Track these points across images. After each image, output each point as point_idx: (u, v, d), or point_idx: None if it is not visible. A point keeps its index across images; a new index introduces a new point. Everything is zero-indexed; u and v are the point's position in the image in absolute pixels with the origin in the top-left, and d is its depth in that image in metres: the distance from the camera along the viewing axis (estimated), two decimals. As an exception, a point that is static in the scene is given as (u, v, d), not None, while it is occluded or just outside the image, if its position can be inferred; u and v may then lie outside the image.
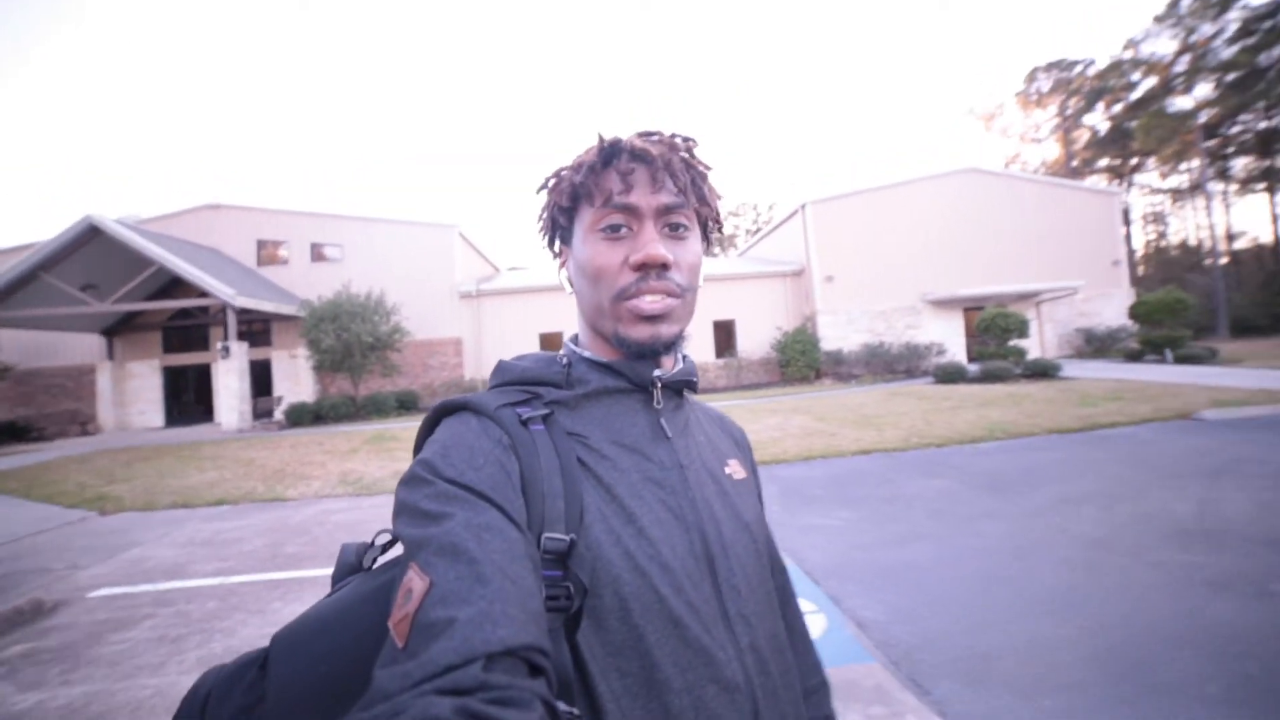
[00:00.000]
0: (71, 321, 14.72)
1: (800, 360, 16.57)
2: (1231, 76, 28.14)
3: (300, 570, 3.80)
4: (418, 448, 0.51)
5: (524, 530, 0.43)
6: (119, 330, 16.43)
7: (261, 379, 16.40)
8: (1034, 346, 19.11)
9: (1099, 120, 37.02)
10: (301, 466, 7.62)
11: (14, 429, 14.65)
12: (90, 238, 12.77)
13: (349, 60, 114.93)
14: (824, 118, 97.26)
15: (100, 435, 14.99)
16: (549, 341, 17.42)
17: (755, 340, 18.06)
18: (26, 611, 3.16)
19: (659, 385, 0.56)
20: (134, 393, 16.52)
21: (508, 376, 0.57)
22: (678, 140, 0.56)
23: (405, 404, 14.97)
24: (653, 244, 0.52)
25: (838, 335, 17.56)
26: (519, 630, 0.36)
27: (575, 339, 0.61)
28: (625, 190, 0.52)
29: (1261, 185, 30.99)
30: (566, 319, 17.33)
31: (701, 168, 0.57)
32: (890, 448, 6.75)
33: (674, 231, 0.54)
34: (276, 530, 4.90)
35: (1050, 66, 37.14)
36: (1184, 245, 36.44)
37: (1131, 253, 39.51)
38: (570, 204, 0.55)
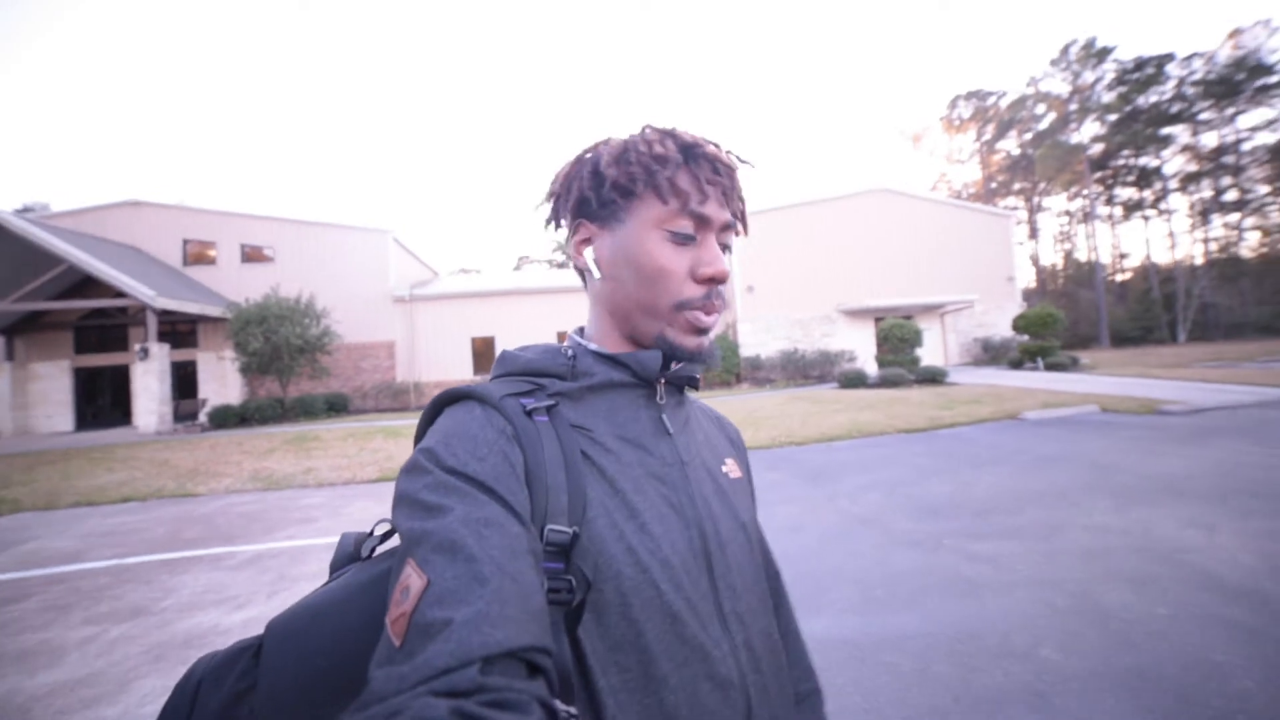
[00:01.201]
0: (-32, 320, 14.09)
1: (721, 365, 17.70)
2: (1113, 117, 31.76)
3: (194, 550, 4.33)
4: (419, 437, 0.51)
5: (526, 524, 0.43)
6: (21, 329, 15.75)
7: (187, 381, 16.10)
8: (938, 354, 21.05)
9: (1012, 146, 40.68)
10: (216, 466, 7.92)
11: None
12: (-8, 234, 12.36)
13: (309, 62, 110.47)
14: (762, 131, 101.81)
15: None
16: (480, 345, 17.89)
17: (684, 346, 19.10)
18: None
19: (663, 381, 0.56)
20: (39, 395, 15.87)
21: (511, 367, 0.56)
22: (738, 162, 0.56)
23: (335, 406, 15.10)
24: (720, 261, 0.53)
25: (757, 342, 18.82)
26: (518, 631, 0.36)
27: (581, 331, 0.61)
28: (702, 199, 0.52)
29: (1139, 213, 34.96)
30: (497, 324, 17.85)
31: (744, 197, 0.57)
32: (756, 445, 7.74)
33: (723, 249, 0.55)
34: (179, 521, 5.34)
35: (969, 95, 40.61)
36: (1078, 264, 40.43)
37: (1040, 269, 43.47)
38: (632, 187, 0.53)
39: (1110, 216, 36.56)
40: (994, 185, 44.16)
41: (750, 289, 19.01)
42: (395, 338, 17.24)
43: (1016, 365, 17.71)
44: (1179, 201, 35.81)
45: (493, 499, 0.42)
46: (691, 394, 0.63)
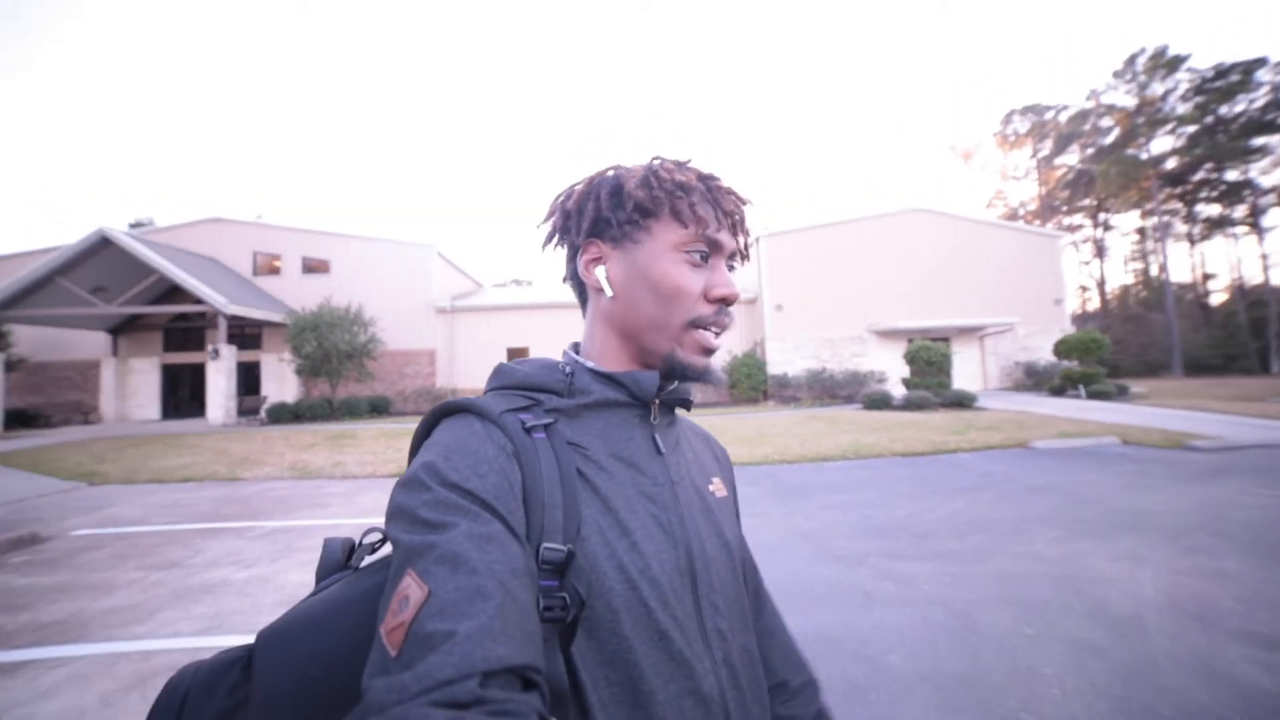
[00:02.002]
0: (81, 320, 16.28)
1: (746, 383, 17.86)
2: (1190, 129, 29.67)
3: (227, 523, 5.15)
4: (414, 449, 0.51)
5: (523, 543, 0.43)
6: (124, 329, 17.98)
7: (251, 379, 17.85)
8: (976, 378, 20.35)
9: (1073, 162, 38.61)
10: (262, 456, 8.96)
11: (24, 416, 16.10)
12: (102, 247, 14.31)
13: (346, 78, 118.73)
14: (800, 148, 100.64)
15: (101, 425, 16.43)
16: (515, 356, 18.83)
17: (710, 362, 19.41)
18: (26, 539, 4.53)
19: (657, 401, 0.57)
20: (134, 387, 18.01)
21: (507, 380, 0.57)
22: (745, 199, 0.60)
23: (378, 408, 16.35)
24: (732, 282, 0.56)
25: (784, 360, 18.84)
26: (518, 649, 0.36)
27: (576, 347, 0.61)
28: (719, 227, 0.56)
29: (1223, 231, 32.30)
30: (531, 335, 18.74)
31: (748, 229, 0.61)
32: (749, 462, 8.01)
33: (730, 274, 0.58)
34: (222, 500, 6.25)
35: (1025, 110, 38.94)
36: (1148, 285, 37.66)
37: (1105, 291, 40.77)
38: (653, 209, 0.55)
39: (1189, 235, 33.94)
40: (1056, 203, 41.97)
41: (779, 308, 19.10)
42: (436, 346, 18.46)
43: (1058, 392, 16.93)
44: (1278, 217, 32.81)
45: (493, 516, 0.43)
46: (682, 413, 0.65)
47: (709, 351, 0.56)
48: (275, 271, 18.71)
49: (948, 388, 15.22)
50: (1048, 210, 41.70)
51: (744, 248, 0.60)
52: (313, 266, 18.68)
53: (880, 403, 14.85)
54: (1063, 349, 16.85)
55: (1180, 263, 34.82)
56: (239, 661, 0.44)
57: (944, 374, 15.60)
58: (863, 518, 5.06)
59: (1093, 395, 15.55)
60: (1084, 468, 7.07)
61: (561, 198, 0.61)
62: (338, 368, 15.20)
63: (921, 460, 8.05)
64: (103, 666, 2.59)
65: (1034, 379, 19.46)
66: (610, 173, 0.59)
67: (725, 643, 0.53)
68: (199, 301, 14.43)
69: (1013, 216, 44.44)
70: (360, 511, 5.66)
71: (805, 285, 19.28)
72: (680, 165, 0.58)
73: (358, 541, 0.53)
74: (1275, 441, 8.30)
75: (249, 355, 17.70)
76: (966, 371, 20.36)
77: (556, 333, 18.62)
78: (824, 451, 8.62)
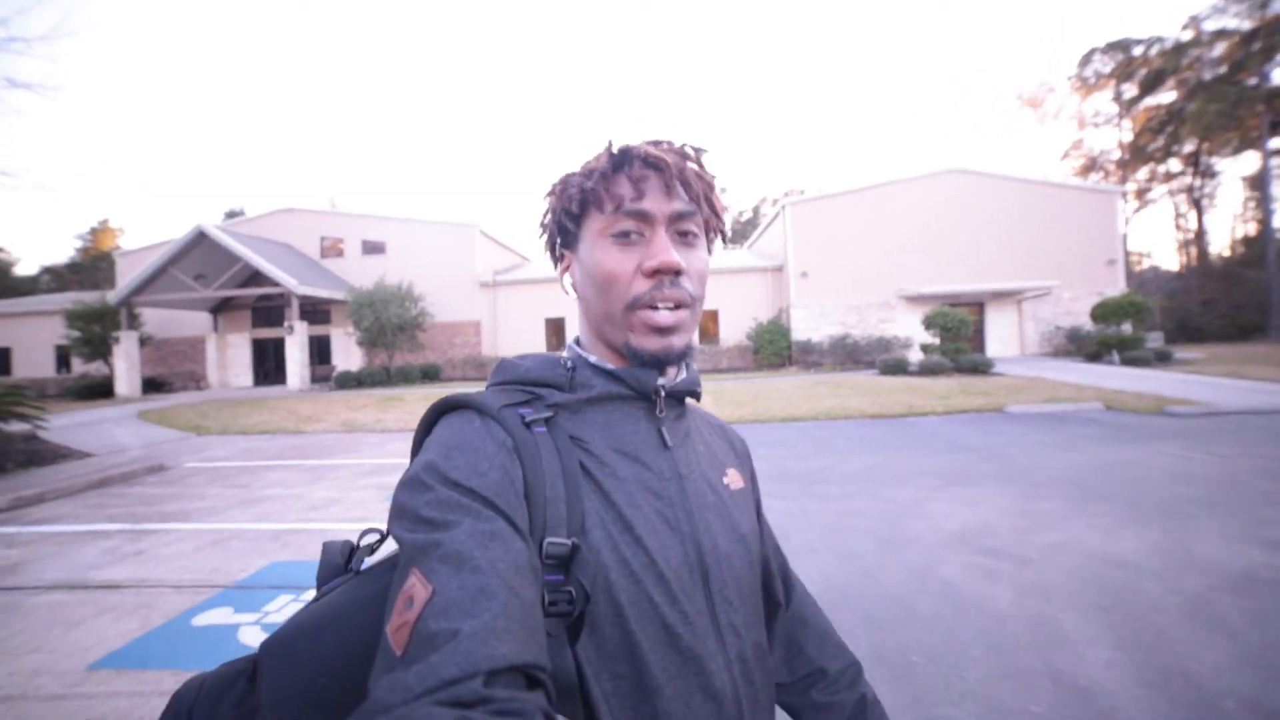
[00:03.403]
0: (188, 303, 19.27)
1: (769, 348, 18.43)
2: None
3: (286, 460, 6.88)
4: (416, 446, 0.51)
5: (527, 539, 0.43)
6: (221, 309, 21.02)
7: (324, 350, 20.47)
8: (1013, 344, 19.78)
9: (1169, 100, 34.48)
10: (323, 414, 10.90)
11: (154, 383, 19.55)
12: (199, 241, 16.88)
13: (379, 72, 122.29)
14: (828, 111, 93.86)
15: (208, 390, 19.59)
16: (553, 325, 20.31)
17: (734, 329, 20.05)
18: (156, 468, 6.52)
19: (662, 394, 0.56)
20: (232, 359, 21.14)
21: (509, 375, 0.56)
22: (688, 149, 0.56)
23: (429, 374, 18.41)
24: (667, 250, 0.52)
25: (809, 327, 19.14)
26: (522, 647, 0.36)
27: (578, 341, 0.61)
28: (637, 196, 0.53)
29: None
30: (566, 307, 20.10)
31: (709, 178, 0.57)
32: (728, 420, 8.93)
33: (684, 239, 0.55)
34: (286, 447, 8.06)
35: (1109, 47, 34.85)
36: (1247, 240, 33.60)
37: (1202, 246, 36.77)
38: (579, 210, 0.55)
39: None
40: (1149, 148, 37.74)
41: (804, 275, 19.29)
42: (481, 317, 20.24)
43: (1094, 358, 16.34)
44: None
45: (496, 514, 0.43)
46: (695, 405, 0.65)
47: (661, 330, 0.53)
48: (339, 253, 21.04)
49: (965, 353, 15.15)
50: (1139, 158, 37.66)
51: (696, 203, 0.55)
52: (371, 247, 20.83)
53: (896, 368, 15.06)
54: (1099, 313, 16.17)
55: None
56: (243, 673, 0.45)
57: (962, 339, 15.50)
58: (777, 467, 5.94)
59: (1127, 362, 14.99)
60: (1032, 430, 7.49)
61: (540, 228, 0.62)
62: (392, 339, 17.24)
63: (887, 422, 8.66)
64: (194, 535, 4.15)
65: (1076, 344, 18.69)
66: (550, 193, 0.59)
67: (739, 639, 0.53)
68: (276, 284, 16.76)
69: (1091, 167, 40.49)
70: (383, 454, 7.23)
71: (832, 252, 19.30)
72: (604, 151, 0.55)
73: (356, 543, 0.52)
74: (1261, 407, 8.22)
75: (320, 330, 20.25)
76: (1002, 336, 19.79)
77: (587, 305, 19.85)
78: (800, 414, 9.37)
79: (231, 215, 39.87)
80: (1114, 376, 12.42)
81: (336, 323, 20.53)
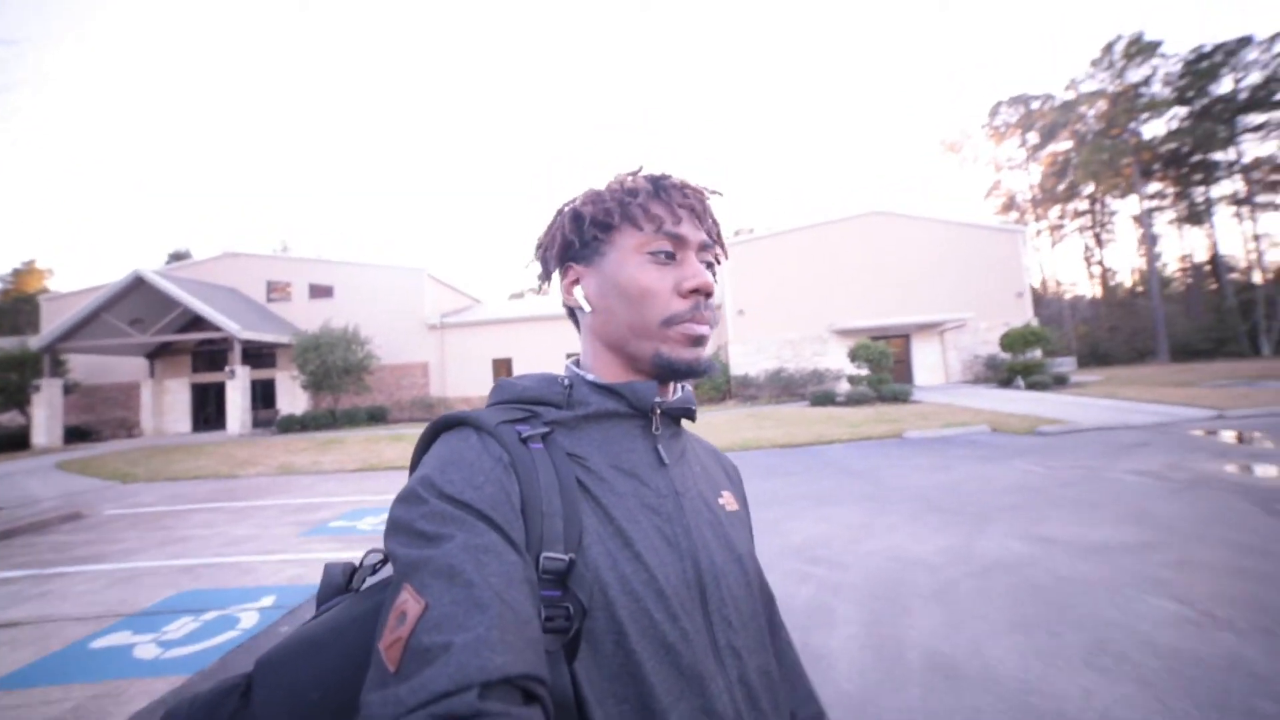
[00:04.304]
0: (122, 348, 18.80)
1: (708, 383, 19.29)
2: (1182, 112, 29.73)
3: (210, 504, 7.04)
4: (414, 463, 0.51)
5: (522, 553, 0.43)
6: (159, 354, 20.53)
7: (268, 394, 20.17)
8: (938, 372, 21.28)
9: (1066, 148, 38.63)
10: (259, 458, 10.93)
11: (79, 431, 18.75)
12: (136, 286, 16.72)
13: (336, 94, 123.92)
14: (784, 149, 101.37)
15: (141, 438, 18.92)
16: (501, 365, 20.68)
17: (679, 365, 20.91)
18: (71, 515, 6.56)
19: (659, 412, 0.57)
20: (169, 405, 20.54)
21: (507, 394, 0.57)
22: (706, 191, 0.61)
23: (375, 416, 18.40)
24: (703, 272, 0.56)
25: (748, 361, 20.18)
26: (516, 658, 0.36)
27: (576, 361, 0.62)
28: (676, 221, 0.56)
29: (1210, 215, 32.08)
30: (514, 348, 20.56)
31: (719, 221, 0.61)
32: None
33: (706, 268, 0.58)
34: (215, 490, 8.17)
35: (1013, 100, 39.16)
36: (1140, 273, 37.39)
37: (1105, 278, 40.48)
38: (617, 222, 0.57)
39: (1180, 220, 33.74)
40: (1059, 189, 41.80)
41: (741, 312, 20.44)
42: (429, 359, 20.46)
43: (1006, 384, 17.83)
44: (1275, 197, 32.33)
45: (490, 527, 0.43)
46: (689, 427, 0.65)
47: (696, 341, 0.56)
48: (287, 297, 21.04)
49: (888, 383, 16.33)
50: (1049, 198, 41.59)
51: (714, 239, 0.59)
52: (319, 291, 20.94)
53: (824, 399, 16.06)
54: (1005, 342, 17.79)
55: (1172, 247, 34.63)
56: (237, 689, 0.45)
57: (885, 370, 16.73)
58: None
59: (1031, 386, 16.48)
60: (921, 453, 8.33)
61: (539, 238, 0.64)
62: (338, 383, 17.27)
63: (795, 451, 9.40)
64: (105, 574, 4.40)
65: (993, 371, 20.31)
66: (571, 200, 0.61)
67: (740, 661, 0.52)
68: (218, 329, 16.67)
69: (1011, 205, 44.38)
70: (312, 494, 7.47)
71: (767, 290, 20.56)
72: (633, 174, 0.60)
73: (359, 563, 0.52)
74: (1111, 424, 9.42)
75: (265, 373, 20.02)
76: (928, 365, 21.30)
77: (538, 344, 20.39)
78: (720, 445, 10.05)
79: (177, 256, 39.01)
80: (1014, 400, 13.71)
81: (282, 366, 20.34)
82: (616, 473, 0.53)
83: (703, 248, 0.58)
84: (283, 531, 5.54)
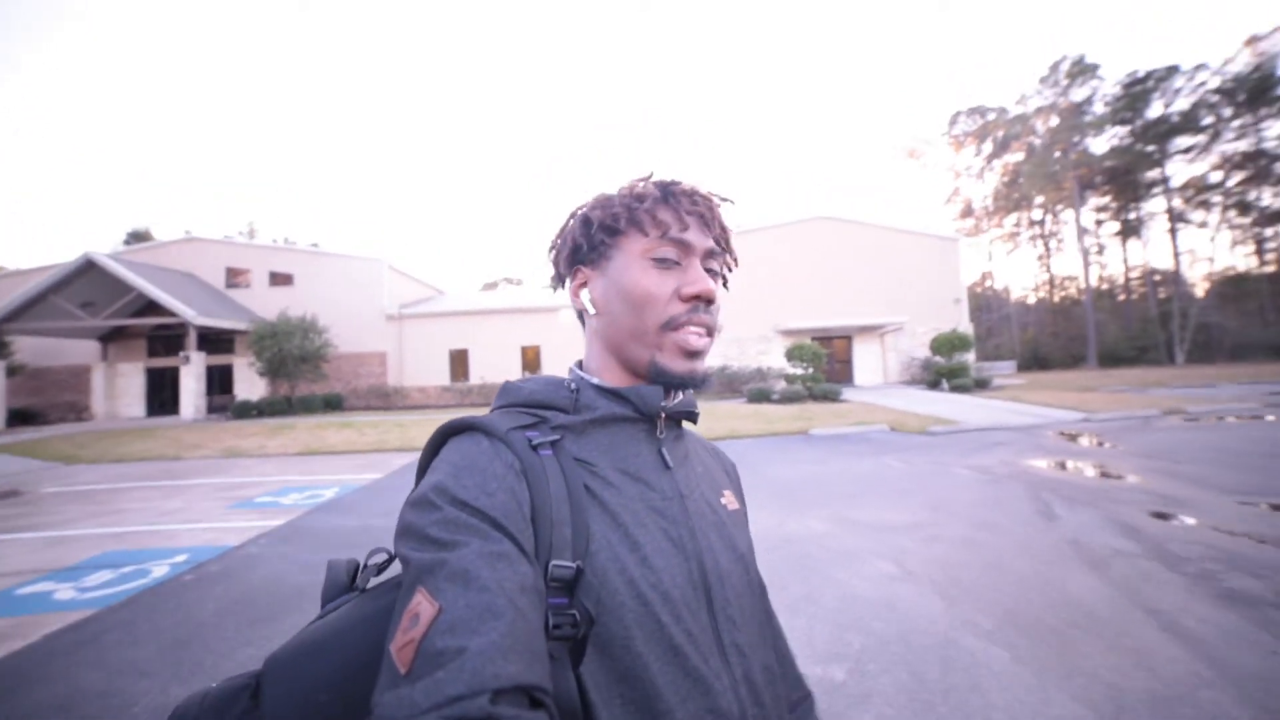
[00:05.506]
0: (72, 332, 18.75)
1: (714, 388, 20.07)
2: (1122, 130, 31.62)
3: (152, 482, 7.57)
4: (423, 468, 0.52)
5: (533, 561, 0.44)
6: (112, 338, 20.47)
7: (225, 380, 20.34)
8: (877, 373, 22.51)
9: (1019, 159, 40.54)
10: (207, 442, 11.38)
11: (25, 415, 18.66)
12: (88, 269, 16.73)
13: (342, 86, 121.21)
14: (758, 150, 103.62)
15: (92, 422, 18.94)
16: (457, 356, 21.20)
17: (633, 360, 21.72)
18: (8, 493, 7.01)
19: (663, 415, 0.58)
20: (122, 389, 20.54)
21: (514, 398, 0.58)
22: (716, 198, 0.61)
23: (331, 404, 18.78)
24: (705, 279, 0.56)
25: (698, 358, 21.04)
26: (527, 668, 0.37)
27: (580, 364, 0.63)
28: (683, 228, 0.57)
29: (1143, 229, 34.23)
30: (470, 340, 21.08)
31: (729, 228, 0.62)
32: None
33: (710, 275, 0.59)
34: (159, 470, 8.67)
35: (971, 111, 40.90)
36: (1078, 282, 39.59)
37: (1052, 285, 42.61)
38: (624, 227, 0.58)
39: (1121, 233, 35.91)
40: (1014, 198, 43.78)
41: (694, 310, 21.25)
42: (386, 349, 20.85)
43: (934, 385, 19.07)
44: (1203, 215, 34.67)
45: (504, 535, 0.43)
46: (690, 427, 0.66)
47: (691, 354, 0.56)
48: (246, 284, 21.15)
49: (820, 382, 17.37)
50: (1004, 206, 43.52)
51: (722, 246, 0.60)
52: (279, 279, 21.10)
53: (760, 396, 16.98)
54: (934, 346, 19.02)
55: (1116, 258, 36.86)
56: (247, 689, 0.45)
57: (819, 370, 17.78)
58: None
59: (954, 389, 17.72)
60: (815, 449, 9.20)
61: (552, 240, 0.65)
62: (294, 370, 17.61)
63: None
64: (37, 541, 4.97)
65: (927, 373, 21.61)
66: (581, 207, 0.62)
67: (745, 659, 0.53)
68: (173, 314, 16.84)
69: (969, 212, 46.26)
70: (248, 475, 8.06)
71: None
72: (643, 179, 0.61)
73: (363, 563, 0.52)
74: (996, 425, 10.53)
75: (222, 359, 20.17)
76: (869, 366, 22.52)
77: (495, 337, 20.94)
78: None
79: (137, 236, 38.10)
80: (932, 402, 14.83)
81: (240, 353, 20.49)
82: (623, 477, 0.54)
83: (709, 255, 0.59)
84: (210, 505, 6.16)
